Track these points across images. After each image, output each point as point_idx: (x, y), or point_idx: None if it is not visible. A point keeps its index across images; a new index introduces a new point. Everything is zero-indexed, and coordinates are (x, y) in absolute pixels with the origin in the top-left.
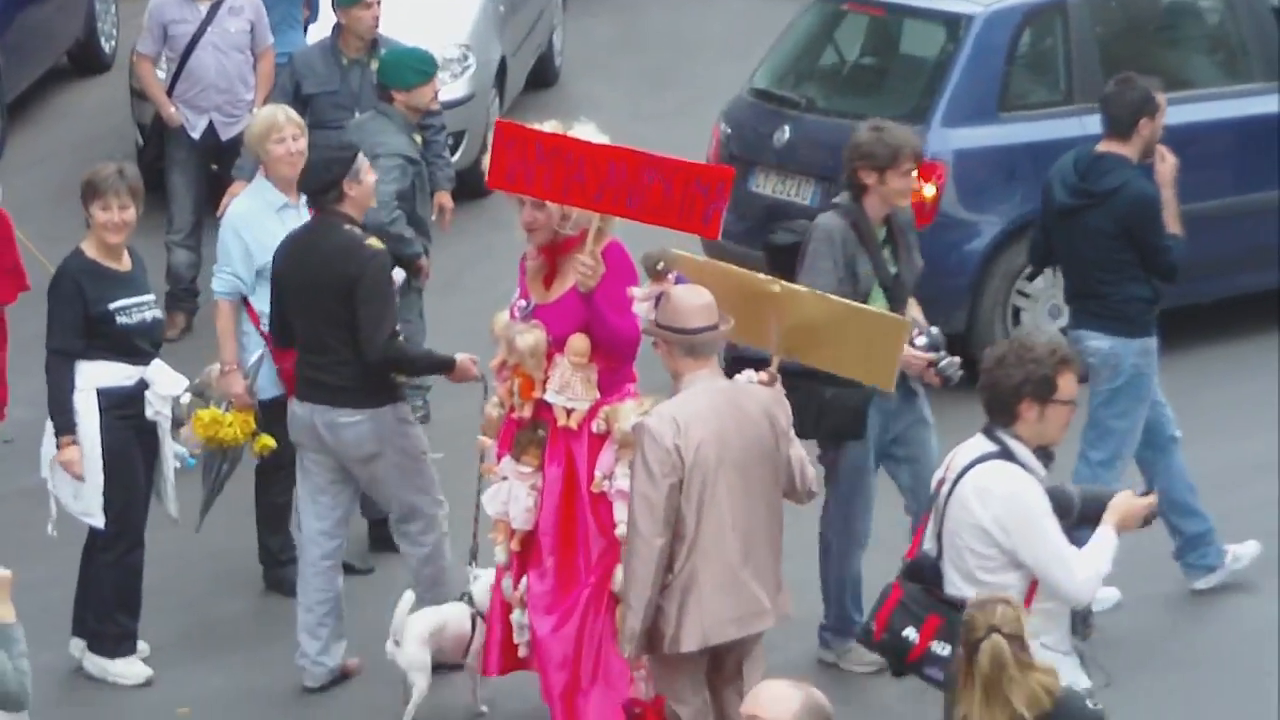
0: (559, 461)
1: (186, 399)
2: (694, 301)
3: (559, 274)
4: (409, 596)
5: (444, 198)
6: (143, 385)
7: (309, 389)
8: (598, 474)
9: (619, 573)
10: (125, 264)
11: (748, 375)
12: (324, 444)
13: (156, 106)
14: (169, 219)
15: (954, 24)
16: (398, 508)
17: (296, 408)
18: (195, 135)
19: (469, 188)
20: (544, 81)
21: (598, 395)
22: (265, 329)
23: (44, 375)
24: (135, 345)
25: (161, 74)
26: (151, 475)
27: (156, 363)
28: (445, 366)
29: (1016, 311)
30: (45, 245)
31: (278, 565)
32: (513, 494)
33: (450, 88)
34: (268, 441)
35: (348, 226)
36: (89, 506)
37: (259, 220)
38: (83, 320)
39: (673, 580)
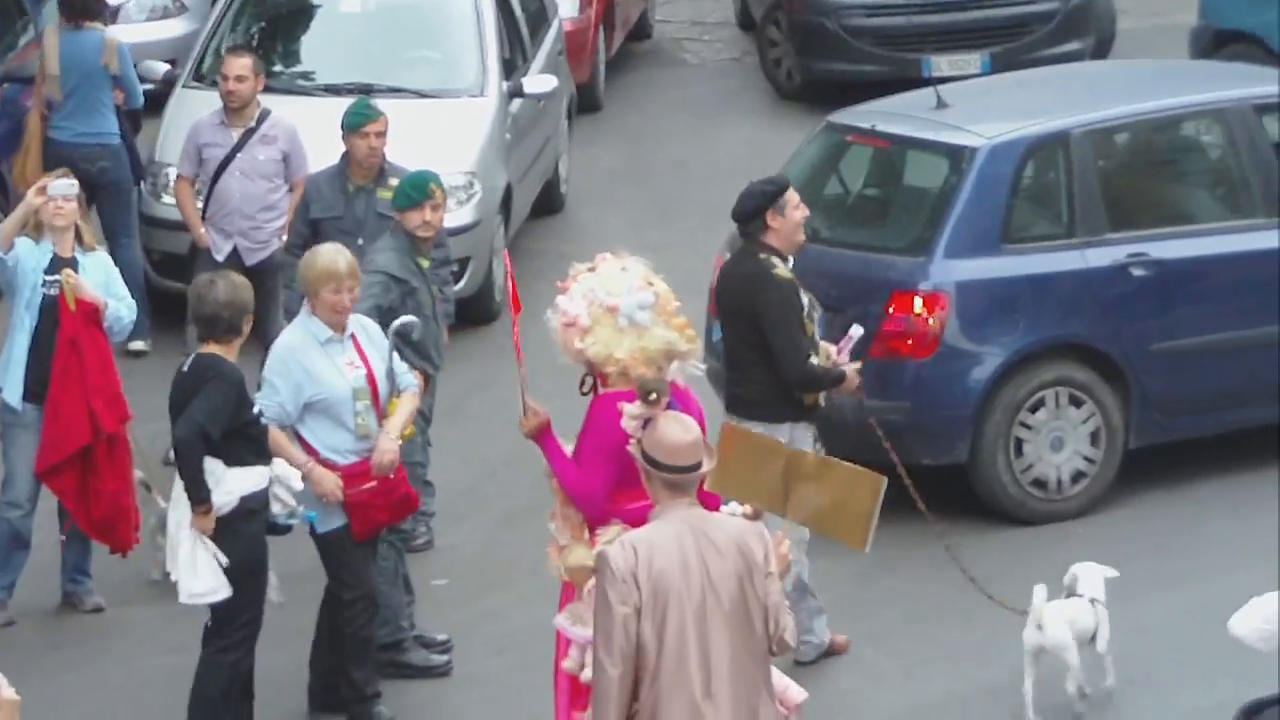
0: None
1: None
2: (681, 439)
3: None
4: (1042, 589)
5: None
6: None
7: (730, 402)
8: (560, 615)
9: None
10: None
11: (731, 508)
12: None
13: (189, 227)
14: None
15: (957, 156)
16: None
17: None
18: (220, 258)
19: (474, 314)
20: (550, 208)
21: (585, 535)
22: (323, 458)
23: None
24: (265, 446)
25: None
26: None
27: (277, 460)
28: (839, 380)
29: (1019, 443)
30: None
31: (362, 700)
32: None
33: (456, 214)
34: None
35: (763, 256)
36: (211, 585)
37: (306, 353)
38: (229, 419)
39: (637, 711)
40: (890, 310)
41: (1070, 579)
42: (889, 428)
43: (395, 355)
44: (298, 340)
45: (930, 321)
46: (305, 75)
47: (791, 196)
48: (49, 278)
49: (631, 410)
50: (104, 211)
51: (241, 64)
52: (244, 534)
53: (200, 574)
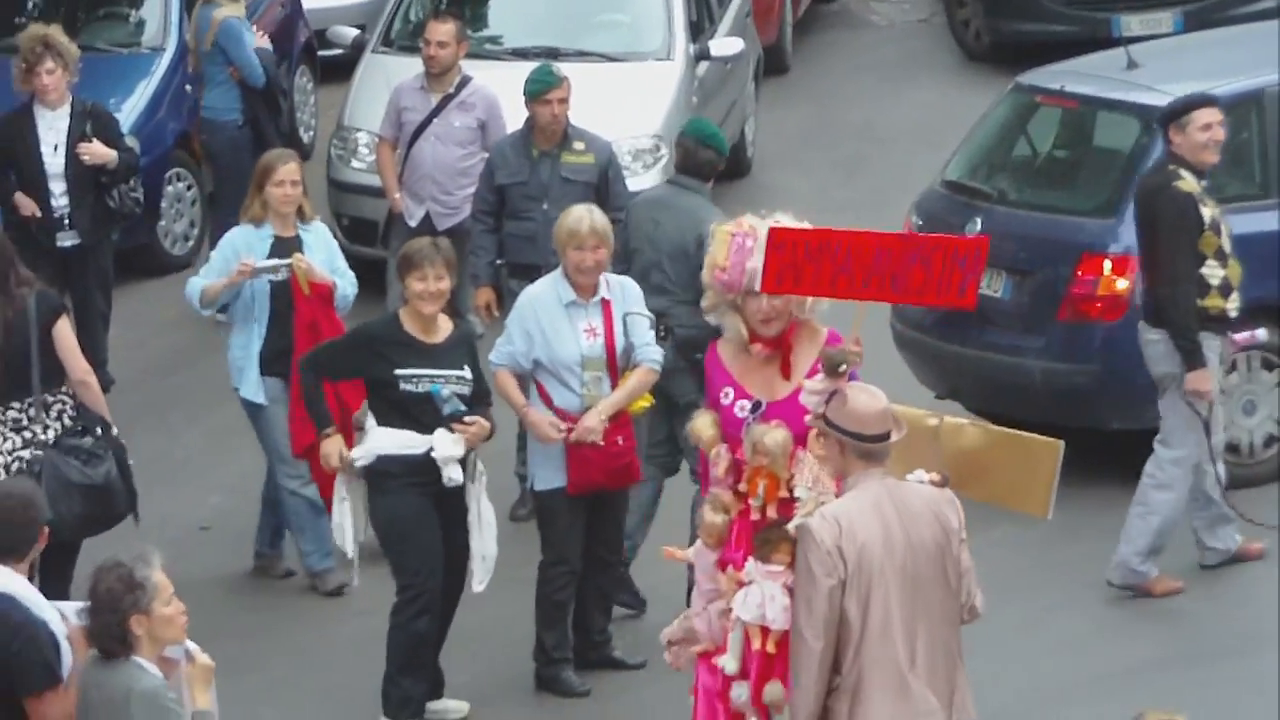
0: None
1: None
2: (873, 407)
3: (792, 368)
4: None
5: None
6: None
7: (1145, 311)
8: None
9: (770, 687)
10: (436, 336)
11: (918, 475)
12: None
13: (385, 191)
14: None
15: (1148, 117)
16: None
17: None
18: (412, 223)
19: None
20: (737, 172)
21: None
22: (556, 406)
23: (238, 464)
24: (413, 414)
25: None
26: (457, 542)
27: (439, 431)
28: (1194, 350)
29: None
30: None
31: (549, 664)
32: (766, 595)
33: (642, 178)
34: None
35: (1171, 167)
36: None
37: (547, 310)
38: (349, 363)
39: (840, 683)
40: (1079, 273)
41: None
42: (1078, 392)
43: (639, 327)
44: (542, 295)
45: (1120, 284)
46: (493, 40)
47: (1199, 116)
48: (273, 262)
49: (814, 385)
50: (216, 183)
51: (445, 29)
52: (385, 493)
53: (342, 530)
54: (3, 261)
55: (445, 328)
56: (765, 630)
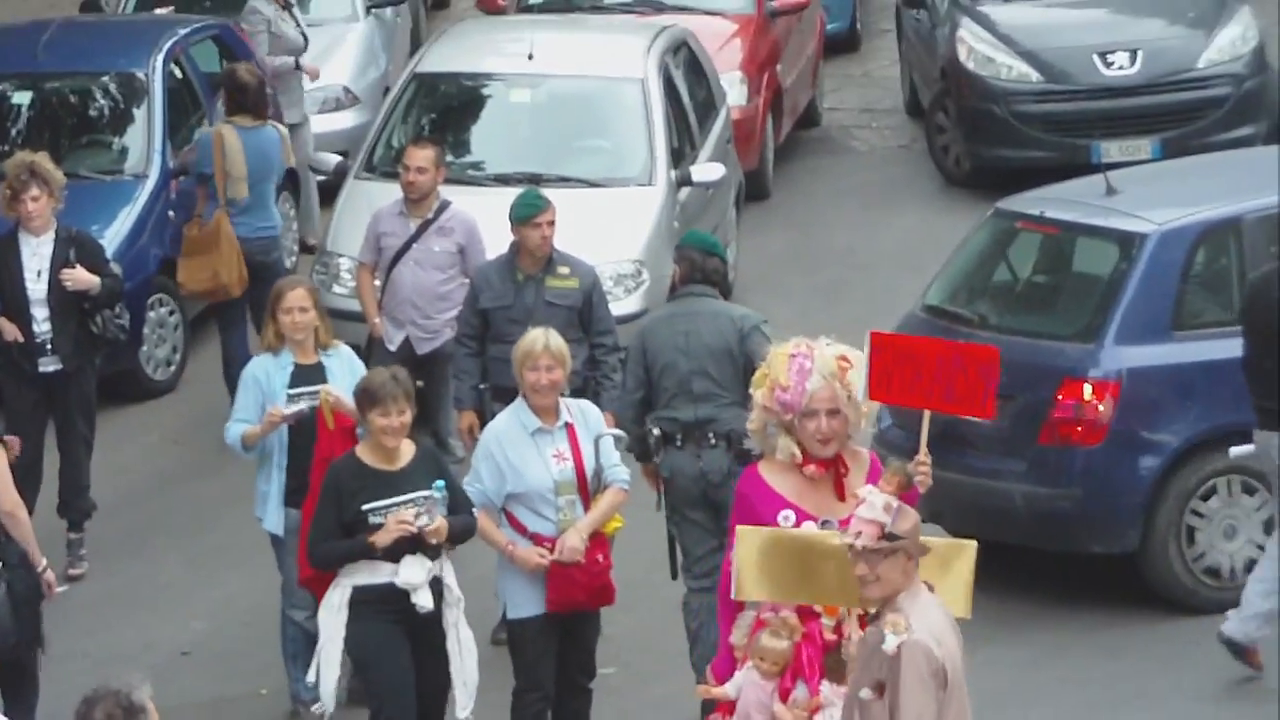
0: None
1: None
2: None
3: (846, 485)
4: None
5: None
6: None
7: (1264, 419)
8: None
9: None
10: (399, 462)
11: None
12: None
13: (365, 315)
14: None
15: (1128, 242)
16: None
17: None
18: (392, 348)
19: None
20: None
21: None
22: (532, 532)
23: (221, 589)
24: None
25: None
26: (436, 669)
27: (405, 558)
28: None
29: (1190, 531)
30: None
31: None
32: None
33: (624, 303)
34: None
35: None
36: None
37: (513, 443)
38: (334, 520)
39: None
40: (1060, 397)
41: None
42: (1059, 515)
43: (606, 449)
44: (506, 428)
45: (1100, 409)
46: (475, 165)
47: None
48: (293, 392)
49: (881, 499)
50: (263, 295)
51: (424, 155)
52: (358, 620)
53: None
54: None
55: (407, 452)
56: None
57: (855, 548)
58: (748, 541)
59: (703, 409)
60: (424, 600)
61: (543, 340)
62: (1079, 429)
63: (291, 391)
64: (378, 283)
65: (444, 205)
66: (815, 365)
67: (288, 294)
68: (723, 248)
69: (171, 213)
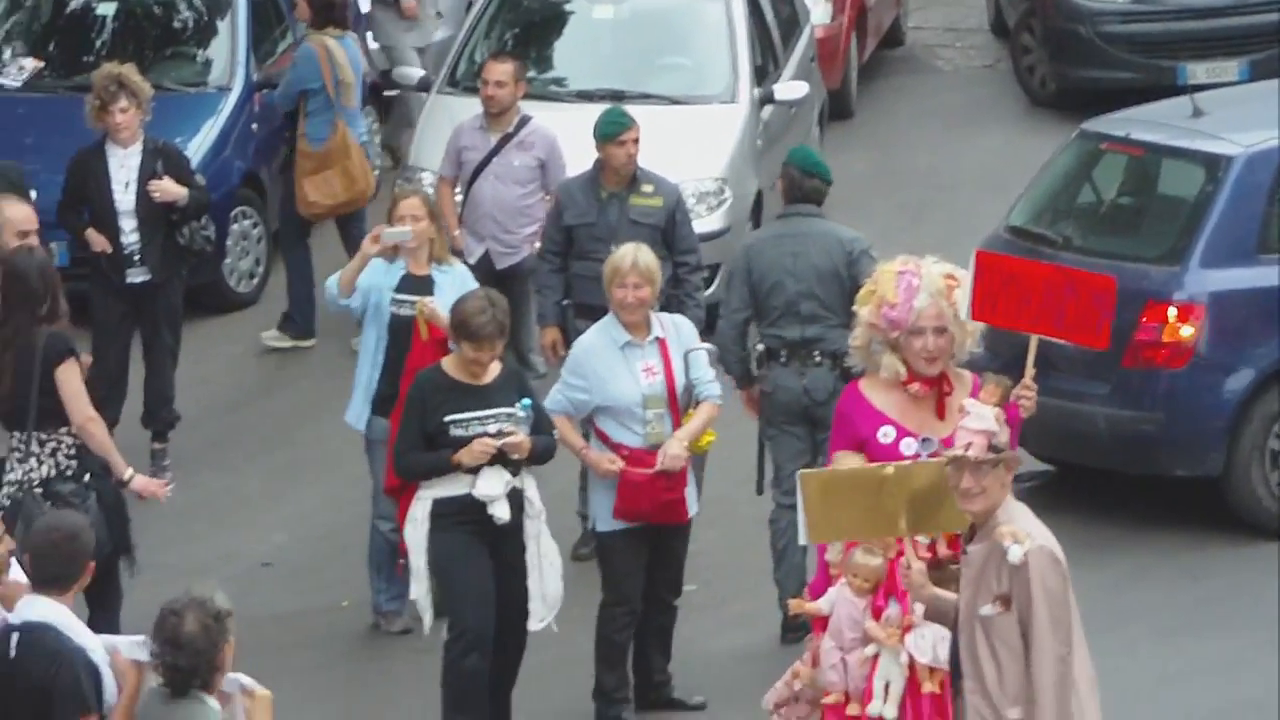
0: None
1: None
2: None
3: (947, 404)
4: None
5: None
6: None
7: None
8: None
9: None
10: (485, 378)
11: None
12: None
13: (445, 229)
14: None
15: (1214, 164)
16: None
17: None
18: (471, 261)
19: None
20: None
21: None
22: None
23: (301, 502)
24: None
25: None
26: (516, 582)
27: (483, 470)
28: None
29: (1274, 455)
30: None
31: (610, 704)
32: (938, 636)
33: (706, 221)
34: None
35: None
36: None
37: (602, 356)
38: (419, 431)
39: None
40: (1143, 320)
41: None
42: (1142, 439)
43: (698, 363)
44: (596, 342)
45: (1185, 332)
46: (558, 81)
47: None
48: (399, 297)
49: (985, 410)
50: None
51: (502, 69)
52: (439, 531)
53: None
54: (45, 287)
55: (493, 369)
56: (931, 671)
57: (962, 460)
58: (810, 486)
59: (810, 329)
60: (501, 512)
61: (630, 258)
62: (1163, 352)
63: (397, 297)
64: (459, 197)
65: (524, 120)
66: (923, 283)
67: (401, 202)
68: (826, 167)
69: (254, 125)
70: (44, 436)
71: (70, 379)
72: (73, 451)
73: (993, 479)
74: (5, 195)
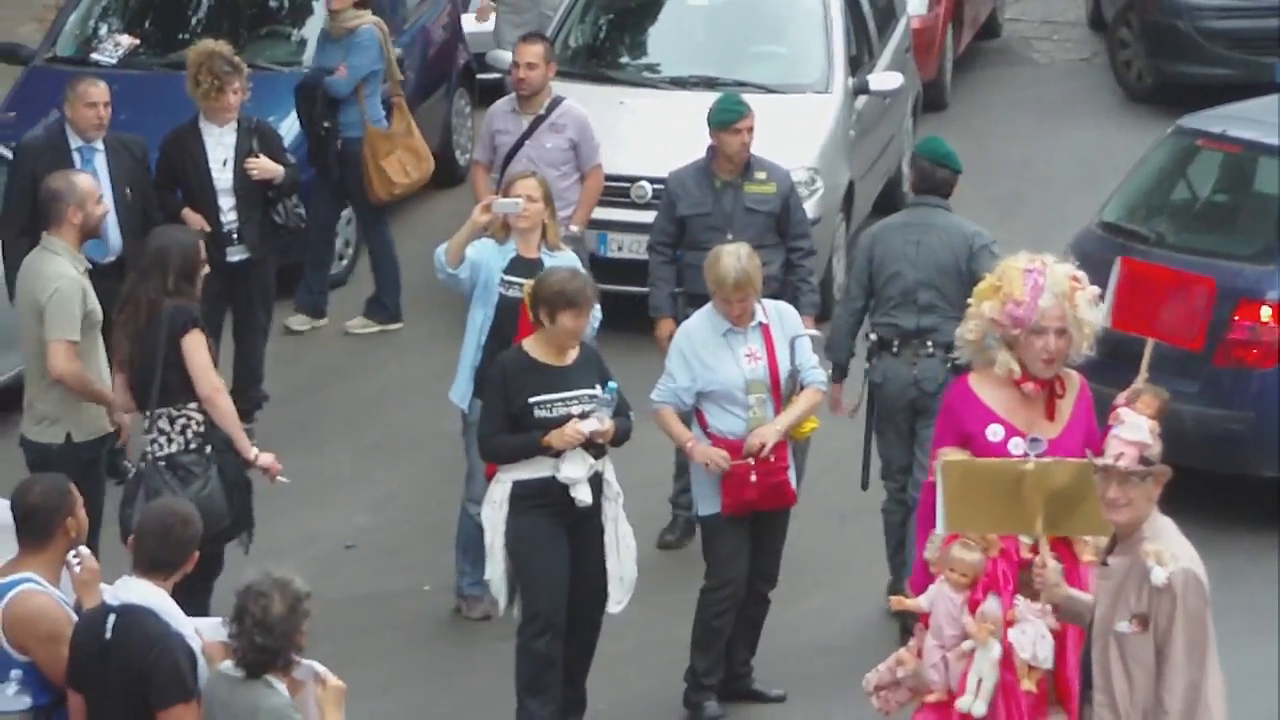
0: None
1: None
2: None
3: (1057, 406)
4: None
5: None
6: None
7: None
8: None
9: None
10: (566, 359)
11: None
12: None
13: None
14: None
15: None
16: None
17: None
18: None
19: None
20: (892, 206)
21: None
22: (712, 431)
23: (385, 484)
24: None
25: None
26: (594, 566)
27: (566, 453)
28: None
29: None
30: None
31: (698, 689)
32: (1037, 634)
33: None
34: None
35: None
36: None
37: (705, 342)
38: (502, 414)
39: None
40: (1236, 318)
41: None
42: (1231, 438)
43: (803, 350)
44: (698, 328)
45: (1278, 331)
46: (651, 68)
47: None
48: (509, 278)
49: (1141, 421)
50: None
51: (533, 51)
52: (517, 514)
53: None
54: (188, 265)
55: (574, 350)
56: (1030, 669)
57: (1111, 469)
58: (951, 474)
59: (925, 319)
60: (583, 495)
61: (733, 275)
62: (1255, 351)
63: (506, 278)
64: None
65: (556, 101)
66: (1048, 282)
67: (518, 183)
68: (956, 157)
69: None
70: (174, 413)
71: (196, 350)
72: (201, 429)
73: (1140, 492)
74: (58, 172)
